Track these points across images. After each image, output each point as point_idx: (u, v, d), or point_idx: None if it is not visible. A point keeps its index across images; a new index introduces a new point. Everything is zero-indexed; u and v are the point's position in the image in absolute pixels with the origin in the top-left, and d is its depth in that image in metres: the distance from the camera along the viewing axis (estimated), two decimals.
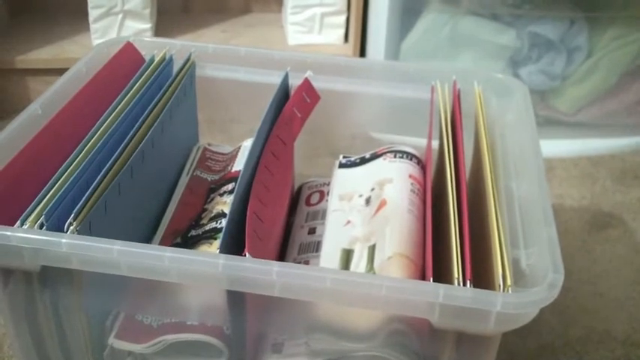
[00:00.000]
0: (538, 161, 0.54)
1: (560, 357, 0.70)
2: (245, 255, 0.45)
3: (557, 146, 1.03)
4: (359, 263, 0.53)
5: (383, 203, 0.58)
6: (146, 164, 0.56)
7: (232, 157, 0.68)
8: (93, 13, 1.06)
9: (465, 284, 0.44)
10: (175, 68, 0.65)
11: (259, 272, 0.43)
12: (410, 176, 0.61)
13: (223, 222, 0.58)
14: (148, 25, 1.09)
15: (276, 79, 0.63)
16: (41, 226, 0.46)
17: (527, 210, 0.51)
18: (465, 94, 0.63)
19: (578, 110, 1.06)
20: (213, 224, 0.58)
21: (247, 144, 0.68)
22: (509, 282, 0.43)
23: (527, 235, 0.49)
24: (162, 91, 0.61)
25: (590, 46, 1.01)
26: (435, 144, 0.62)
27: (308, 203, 0.67)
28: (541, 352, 0.71)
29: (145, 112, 0.57)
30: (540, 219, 0.47)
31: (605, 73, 1.03)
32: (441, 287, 0.42)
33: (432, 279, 0.46)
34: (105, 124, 0.55)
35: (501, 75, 0.66)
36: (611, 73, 1.03)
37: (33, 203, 0.47)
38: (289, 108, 0.61)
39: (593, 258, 0.84)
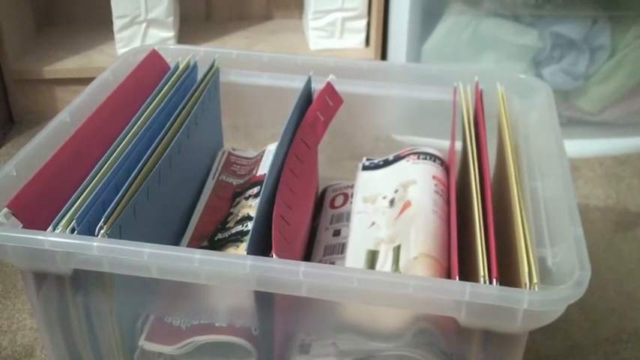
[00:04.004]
0: (563, 161, 0.54)
1: (588, 357, 0.70)
2: (272, 257, 0.46)
3: (582, 146, 1.03)
4: (384, 264, 0.53)
5: (407, 205, 0.58)
6: (173, 169, 0.57)
7: (257, 161, 0.69)
8: (117, 23, 1.08)
9: (490, 282, 0.44)
10: (200, 74, 0.66)
11: (286, 272, 0.44)
12: (433, 177, 0.61)
13: (249, 225, 0.58)
14: (171, 34, 1.11)
15: (298, 84, 0.64)
16: (73, 231, 0.47)
17: (552, 209, 0.51)
18: (487, 94, 0.63)
19: (603, 109, 1.05)
20: (239, 227, 0.59)
21: (271, 148, 0.69)
22: (535, 280, 0.43)
23: (552, 233, 0.49)
24: (187, 97, 0.62)
25: (613, 45, 1.01)
26: (458, 145, 0.62)
27: (332, 206, 0.67)
28: (569, 352, 0.70)
29: (171, 118, 0.58)
30: (566, 217, 0.47)
31: (629, 72, 1.02)
32: (468, 285, 0.42)
33: (457, 278, 0.46)
34: (132, 130, 0.56)
35: (524, 75, 0.66)
36: (635, 72, 1.02)
37: (64, 208, 0.48)
38: (312, 112, 0.62)
39: (620, 257, 0.83)
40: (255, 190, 0.63)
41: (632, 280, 0.79)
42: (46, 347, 0.55)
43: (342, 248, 0.60)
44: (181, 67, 0.66)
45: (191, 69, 0.66)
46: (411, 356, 0.49)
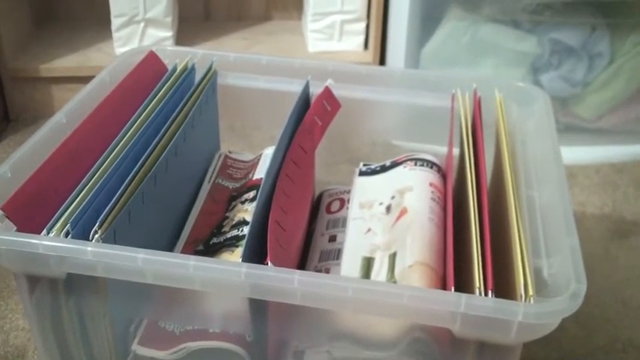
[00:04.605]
0: (559, 169, 0.54)
1: None
2: (267, 263, 0.46)
3: (579, 153, 1.03)
4: (380, 271, 0.53)
5: (403, 211, 0.58)
6: (169, 172, 0.57)
7: (253, 164, 0.69)
8: (115, 22, 1.08)
9: (486, 294, 0.44)
10: (197, 77, 0.66)
11: (281, 281, 0.43)
12: (430, 184, 0.61)
13: (245, 229, 0.58)
14: (169, 33, 1.10)
15: (296, 88, 0.64)
16: (67, 235, 0.47)
17: (548, 219, 0.51)
18: (485, 101, 0.62)
19: (600, 117, 1.05)
20: (234, 232, 0.59)
21: (268, 152, 0.68)
22: (530, 292, 0.43)
23: (549, 244, 0.48)
24: (184, 99, 0.61)
25: (612, 53, 1.00)
26: (456, 152, 0.62)
27: (328, 211, 0.67)
28: None
29: (168, 121, 0.58)
30: (562, 228, 0.47)
31: (627, 80, 1.02)
32: (463, 297, 0.42)
33: (453, 288, 0.46)
34: (129, 132, 0.56)
35: (522, 83, 0.66)
36: (633, 80, 1.02)
37: (59, 212, 0.48)
38: (310, 116, 0.62)
39: (616, 266, 0.83)
40: (252, 194, 0.63)
41: (628, 289, 0.79)
42: (38, 350, 0.55)
43: (337, 254, 0.59)
44: (179, 69, 0.66)
45: (189, 71, 0.66)
46: None
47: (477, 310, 0.41)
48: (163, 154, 0.55)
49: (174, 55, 0.69)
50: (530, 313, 0.41)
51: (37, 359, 0.69)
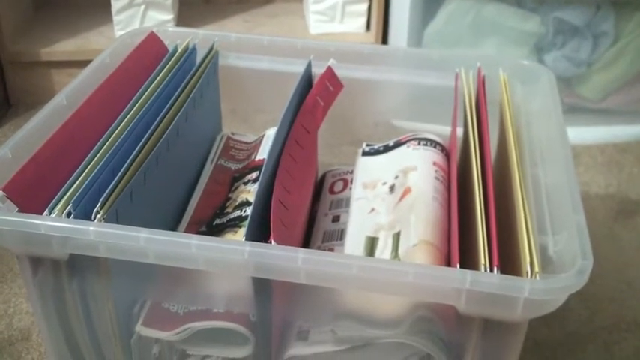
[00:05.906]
0: (565, 148, 0.53)
1: (586, 346, 0.70)
2: (271, 242, 0.46)
3: (583, 133, 1.02)
4: (384, 251, 0.53)
5: (407, 191, 0.58)
6: (171, 153, 0.56)
7: (255, 146, 0.68)
8: (116, 5, 1.07)
9: (491, 270, 0.44)
10: (199, 58, 0.66)
11: (285, 259, 0.43)
12: (434, 164, 0.60)
13: (247, 210, 0.58)
14: (170, 16, 1.10)
15: (298, 68, 0.63)
16: (69, 215, 0.46)
17: (554, 197, 0.50)
18: (489, 80, 0.62)
19: (604, 97, 1.05)
20: (237, 213, 0.59)
21: (270, 133, 0.68)
22: (536, 268, 0.43)
23: (554, 221, 0.48)
24: (185, 80, 0.61)
25: (617, 32, 1.00)
26: (460, 131, 0.61)
27: (332, 191, 0.67)
28: (567, 340, 0.70)
29: (170, 102, 0.58)
30: (568, 206, 0.47)
31: (632, 60, 1.01)
32: (468, 273, 0.41)
33: (458, 265, 0.46)
34: (130, 113, 0.56)
35: (527, 61, 0.65)
36: (638, 59, 1.01)
37: (60, 192, 0.48)
38: (312, 96, 0.61)
39: (620, 246, 0.83)
40: (254, 175, 0.63)
41: (632, 269, 0.79)
42: (42, 332, 0.55)
43: (341, 234, 0.59)
44: (180, 50, 0.65)
45: (190, 52, 0.65)
46: (409, 344, 0.49)
47: (483, 287, 0.41)
48: (165, 135, 0.54)
49: (175, 36, 0.68)
50: (536, 289, 0.40)
51: (41, 342, 0.69)
